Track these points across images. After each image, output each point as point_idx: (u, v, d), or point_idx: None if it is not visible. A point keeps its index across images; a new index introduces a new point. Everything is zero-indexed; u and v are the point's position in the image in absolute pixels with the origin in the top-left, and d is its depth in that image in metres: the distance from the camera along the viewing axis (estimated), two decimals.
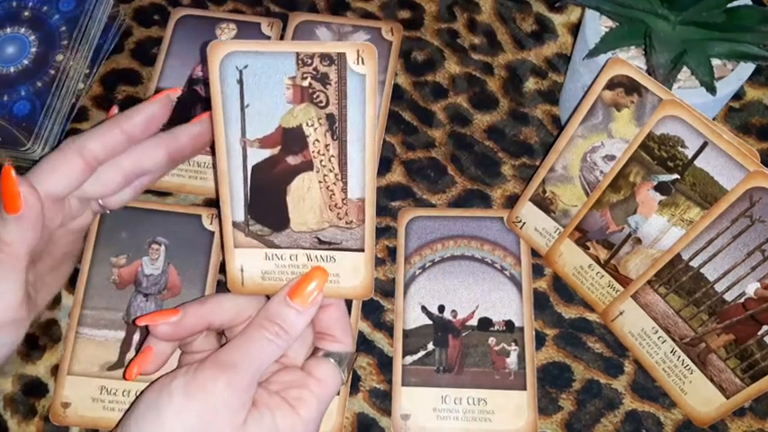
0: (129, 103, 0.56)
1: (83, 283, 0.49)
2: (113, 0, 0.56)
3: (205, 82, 0.54)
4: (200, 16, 0.58)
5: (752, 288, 0.40)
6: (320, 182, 0.39)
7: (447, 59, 0.57)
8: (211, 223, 0.50)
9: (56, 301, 0.49)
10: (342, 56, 0.36)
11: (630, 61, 0.43)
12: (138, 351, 0.47)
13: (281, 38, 0.57)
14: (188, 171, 0.53)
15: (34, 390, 0.47)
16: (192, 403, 0.35)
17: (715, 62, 0.45)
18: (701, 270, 0.42)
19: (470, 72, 0.57)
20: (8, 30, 0.53)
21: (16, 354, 0.48)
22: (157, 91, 0.55)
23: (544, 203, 0.48)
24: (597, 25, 0.46)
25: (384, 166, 0.53)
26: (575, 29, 0.58)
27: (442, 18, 0.59)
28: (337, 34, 0.57)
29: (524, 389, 0.46)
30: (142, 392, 0.37)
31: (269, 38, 0.57)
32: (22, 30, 0.53)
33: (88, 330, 0.48)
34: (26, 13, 0.54)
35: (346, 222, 0.40)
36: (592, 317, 0.49)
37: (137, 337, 0.48)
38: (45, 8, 0.54)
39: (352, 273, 0.41)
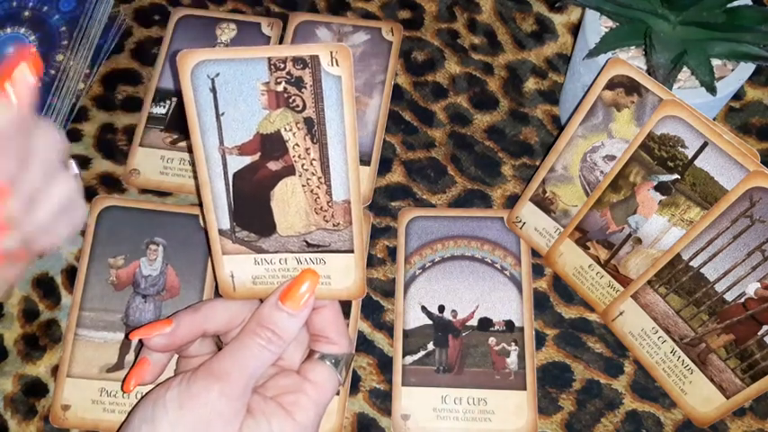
0: (129, 102, 0.56)
1: (80, 284, 0.49)
2: (113, 0, 0.56)
3: None
4: (201, 16, 0.58)
5: (752, 288, 0.40)
6: (304, 186, 0.39)
7: (447, 59, 0.57)
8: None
9: (56, 301, 0.49)
10: (315, 58, 0.35)
11: (630, 61, 0.43)
12: (137, 354, 0.47)
13: (282, 38, 0.57)
14: (188, 171, 0.53)
15: (34, 390, 0.47)
16: (186, 415, 0.35)
17: (715, 62, 0.45)
18: (702, 270, 0.42)
19: (470, 72, 0.57)
20: (8, 30, 0.53)
21: (16, 353, 0.48)
22: (157, 91, 0.55)
23: (544, 203, 0.48)
24: (597, 25, 0.46)
25: (384, 166, 0.53)
26: (575, 29, 0.58)
27: (441, 18, 0.59)
28: (337, 34, 0.57)
29: (524, 389, 0.46)
30: (137, 405, 0.37)
31: (269, 38, 0.57)
32: (22, 30, 0.53)
33: (87, 332, 0.48)
34: (26, 13, 0.54)
35: (333, 225, 0.39)
36: (592, 317, 0.49)
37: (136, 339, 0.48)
38: (45, 8, 0.54)
39: (343, 274, 0.40)
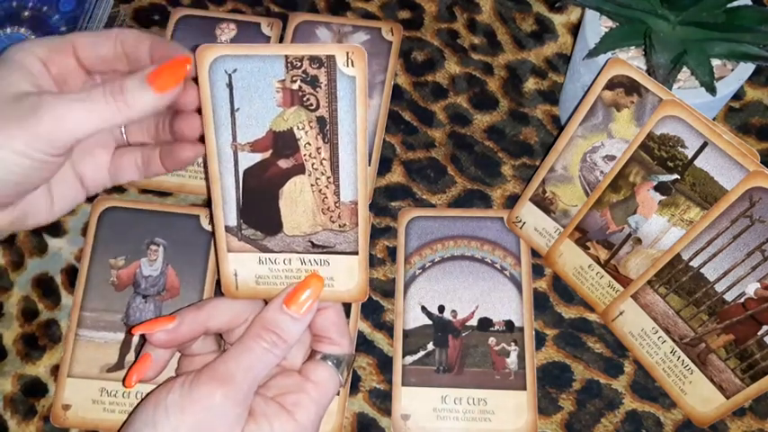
0: None
1: (81, 284, 0.49)
2: (113, 0, 0.56)
3: None
4: (200, 16, 0.58)
5: (752, 288, 0.40)
6: (312, 185, 0.39)
7: (447, 59, 0.57)
8: (209, 223, 0.50)
9: (56, 302, 0.49)
10: (331, 58, 0.36)
11: (630, 61, 0.43)
12: (137, 353, 0.47)
13: (281, 38, 0.57)
14: (188, 171, 0.53)
15: (34, 390, 0.47)
16: (187, 419, 0.35)
17: (715, 62, 0.45)
18: (701, 270, 0.42)
19: (470, 72, 0.57)
20: (8, 30, 0.53)
21: (15, 353, 0.48)
22: None
23: (544, 203, 0.48)
24: (597, 25, 0.46)
25: (384, 166, 0.53)
26: (575, 29, 0.58)
27: (441, 18, 0.59)
28: (337, 34, 0.57)
29: (524, 389, 0.46)
30: (137, 407, 0.37)
31: (269, 38, 0.57)
32: (22, 30, 0.53)
33: (87, 332, 0.48)
34: (26, 13, 0.54)
35: (339, 225, 0.40)
36: (592, 317, 0.49)
37: (136, 338, 0.48)
38: (45, 8, 0.54)
39: (346, 276, 0.41)
